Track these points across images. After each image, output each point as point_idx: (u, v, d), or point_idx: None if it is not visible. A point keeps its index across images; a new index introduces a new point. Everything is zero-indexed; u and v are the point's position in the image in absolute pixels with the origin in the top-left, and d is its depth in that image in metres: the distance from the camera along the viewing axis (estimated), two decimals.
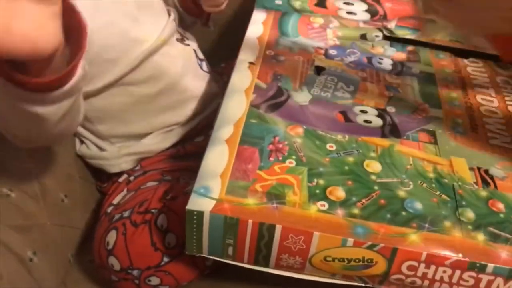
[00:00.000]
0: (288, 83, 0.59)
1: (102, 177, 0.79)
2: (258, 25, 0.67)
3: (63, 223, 0.74)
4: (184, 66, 0.74)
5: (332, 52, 0.65)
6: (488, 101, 0.62)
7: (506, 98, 0.62)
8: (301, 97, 0.57)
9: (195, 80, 0.77)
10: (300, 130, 0.53)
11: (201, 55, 0.80)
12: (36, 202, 0.70)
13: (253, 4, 0.72)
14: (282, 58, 0.62)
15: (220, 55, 0.87)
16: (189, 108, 0.76)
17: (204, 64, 0.81)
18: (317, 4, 0.75)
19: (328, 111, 0.56)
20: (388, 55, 0.66)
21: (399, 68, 0.64)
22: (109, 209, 0.72)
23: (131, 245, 0.63)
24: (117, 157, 0.76)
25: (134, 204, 0.68)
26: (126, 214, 0.67)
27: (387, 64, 0.65)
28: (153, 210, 0.65)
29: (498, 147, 0.55)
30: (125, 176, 0.77)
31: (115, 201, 0.73)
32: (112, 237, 0.65)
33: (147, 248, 0.62)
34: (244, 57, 0.61)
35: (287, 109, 0.55)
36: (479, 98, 0.62)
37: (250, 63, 0.60)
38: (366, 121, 0.55)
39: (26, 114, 0.49)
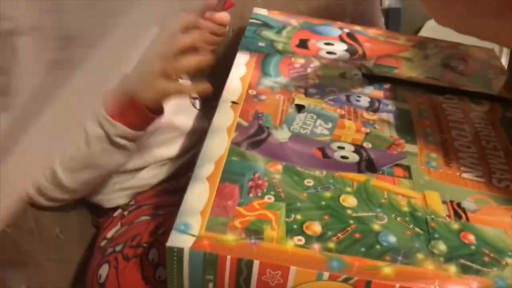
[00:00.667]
0: (268, 121, 0.59)
1: (97, 212, 0.79)
2: (241, 67, 0.68)
3: (58, 258, 0.74)
4: (178, 105, 0.75)
5: (312, 90, 0.66)
6: (462, 136, 0.62)
7: (480, 134, 0.63)
8: (281, 134, 0.57)
9: (188, 118, 0.78)
10: (279, 166, 0.53)
11: (195, 94, 0.82)
12: (32, 238, 0.69)
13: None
14: (263, 97, 0.63)
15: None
16: (181, 144, 0.77)
17: (197, 103, 0.82)
18: (298, 45, 0.76)
19: (307, 148, 0.56)
20: (366, 93, 0.67)
21: (376, 105, 0.65)
22: (103, 243, 0.72)
23: (122, 279, 0.62)
24: (112, 192, 0.76)
25: (127, 238, 0.68)
26: (118, 248, 0.67)
27: (364, 101, 0.65)
28: (144, 244, 0.65)
29: (470, 180, 0.55)
30: (119, 211, 0.77)
31: (108, 235, 0.73)
32: (104, 270, 0.64)
33: (137, 281, 0.62)
34: (227, 96, 0.62)
35: (268, 146, 0.55)
36: (453, 133, 0.62)
37: (233, 102, 0.61)
38: (343, 157, 0.56)
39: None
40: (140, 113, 0.63)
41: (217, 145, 0.54)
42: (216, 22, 0.75)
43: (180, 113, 0.75)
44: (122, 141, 0.64)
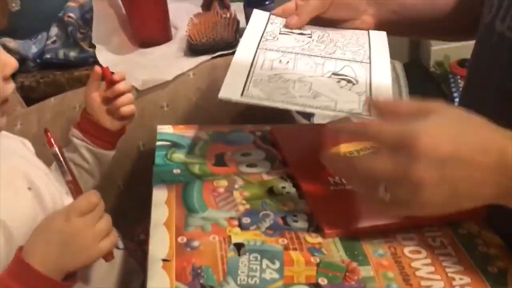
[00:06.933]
0: (210, 277, 0.50)
1: None
2: (161, 208, 0.58)
3: None
4: None
5: (246, 220, 0.57)
6: (408, 239, 0.57)
7: (424, 232, 0.58)
8: None
9: (107, 264, 0.65)
10: None
11: None
12: None
13: None
14: (196, 244, 0.53)
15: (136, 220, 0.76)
16: None
17: (119, 241, 0.70)
18: (215, 163, 0.67)
19: None
20: (300, 210, 0.60)
21: (315, 225, 0.58)
22: None
23: None
24: None
25: None
26: None
27: (303, 221, 0.58)
28: None
29: None
30: None
31: None
32: None
33: None
34: (156, 253, 0.52)
35: None
36: (399, 238, 0.57)
37: (164, 260, 0.51)
38: None
39: None
40: None
41: None
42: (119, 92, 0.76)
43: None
44: None
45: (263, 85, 0.60)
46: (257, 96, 0.58)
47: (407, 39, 2.12)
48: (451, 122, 0.47)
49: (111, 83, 0.75)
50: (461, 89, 0.71)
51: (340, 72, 0.64)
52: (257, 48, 0.66)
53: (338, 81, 0.62)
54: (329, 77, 0.63)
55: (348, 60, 0.66)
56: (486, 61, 0.61)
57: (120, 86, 0.76)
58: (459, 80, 1.92)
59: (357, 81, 0.62)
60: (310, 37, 0.71)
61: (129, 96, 0.77)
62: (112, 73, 0.76)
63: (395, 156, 0.46)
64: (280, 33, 0.71)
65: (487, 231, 0.59)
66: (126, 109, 0.77)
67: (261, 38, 0.68)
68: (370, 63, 0.67)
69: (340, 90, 0.61)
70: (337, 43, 0.70)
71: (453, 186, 0.46)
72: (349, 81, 0.62)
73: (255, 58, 0.64)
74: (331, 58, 0.66)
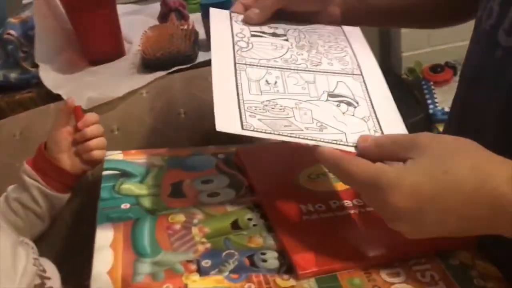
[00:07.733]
0: None
1: None
2: (105, 252, 0.50)
3: None
4: None
5: (206, 263, 0.49)
6: (394, 275, 0.50)
7: (412, 266, 0.51)
8: None
9: None
10: None
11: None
12: None
13: None
14: None
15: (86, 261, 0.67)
16: None
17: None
18: (172, 194, 0.59)
19: None
20: (269, 246, 0.52)
21: (287, 263, 0.50)
22: None
23: None
24: None
25: None
26: None
27: (272, 260, 0.50)
28: None
29: None
30: None
31: None
32: None
33: None
34: None
35: None
36: (384, 274, 0.50)
37: None
38: None
39: None
40: None
41: None
42: (89, 137, 0.72)
43: None
44: None
45: (261, 114, 0.52)
46: (260, 128, 0.50)
47: (377, 45, 2.09)
48: (431, 172, 0.42)
49: (78, 129, 0.71)
50: (455, 90, 0.63)
51: (336, 92, 0.56)
52: (235, 63, 0.57)
53: (338, 105, 0.55)
54: (326, 100, 0.55)
55: (338, 73, 0.59)
56: (492, 73, 0.54)
57: (91, 131, 0.71)
58: (432, 86, 1.88)
59: (357, 103, 0.55)
60: (287, 40, 0.63)
61: (103, 140, 0.72)
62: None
63: (370, 198, 0.46)
64: (251, 35, 0.62)
65: (481, 260, 0.52)
66: (98, 154, 0.71)
67: (233, 46, 0.60)
68: (362, 74, 0.60)
69: (343, 117, 0.53)
70: (318, 48, 0.62)
71: (436, 229, 0.44)
72: (349, 104, 0.55)
73: (238, 78, 0.55)
74: (319, 72, 0.59)
